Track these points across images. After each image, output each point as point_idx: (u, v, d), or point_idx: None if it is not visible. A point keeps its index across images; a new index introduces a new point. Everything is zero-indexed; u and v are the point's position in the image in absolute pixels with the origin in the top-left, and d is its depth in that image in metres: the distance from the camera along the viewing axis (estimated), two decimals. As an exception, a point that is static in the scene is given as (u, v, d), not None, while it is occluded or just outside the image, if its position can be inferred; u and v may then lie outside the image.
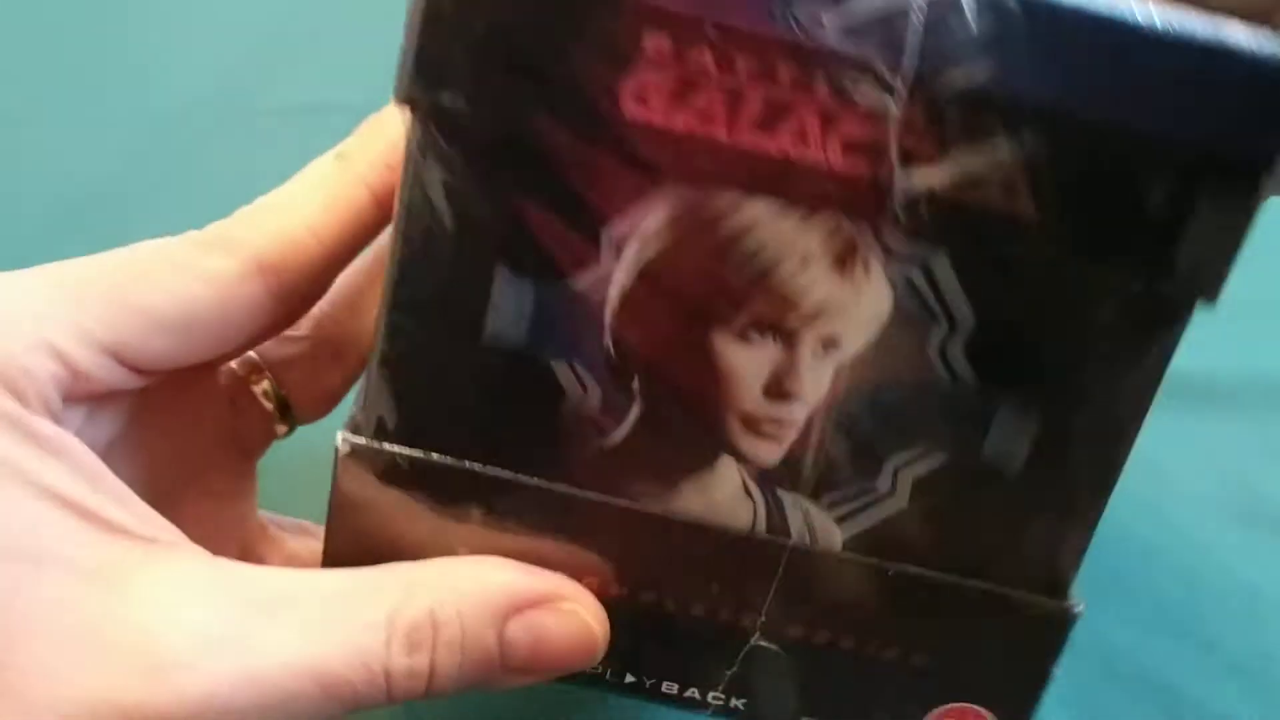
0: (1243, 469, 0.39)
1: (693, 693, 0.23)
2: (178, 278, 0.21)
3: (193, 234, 0.21)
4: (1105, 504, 0.21)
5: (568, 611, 0.21)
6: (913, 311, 0.20)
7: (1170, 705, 0.32)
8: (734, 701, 0.23)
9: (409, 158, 0.19)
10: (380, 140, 0.22)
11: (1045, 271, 0.19)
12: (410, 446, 0.21)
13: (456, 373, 0.20)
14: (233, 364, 0.25)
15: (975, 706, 0.22)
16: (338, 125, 0.24)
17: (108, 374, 0.20)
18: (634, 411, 0.20)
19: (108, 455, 0.20)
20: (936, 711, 0.22)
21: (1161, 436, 0.40)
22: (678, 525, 0.21)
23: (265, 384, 0.25)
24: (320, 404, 0.26)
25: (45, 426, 0.19)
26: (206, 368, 0.25)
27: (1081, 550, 0.22)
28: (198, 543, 0.20)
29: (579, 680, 0.22)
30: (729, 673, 0.22)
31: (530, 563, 0.21)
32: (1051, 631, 0.22)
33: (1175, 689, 0.32)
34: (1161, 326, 0.20)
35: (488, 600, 0.20)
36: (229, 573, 0.19)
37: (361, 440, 0.21)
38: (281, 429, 0.26)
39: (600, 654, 0.21)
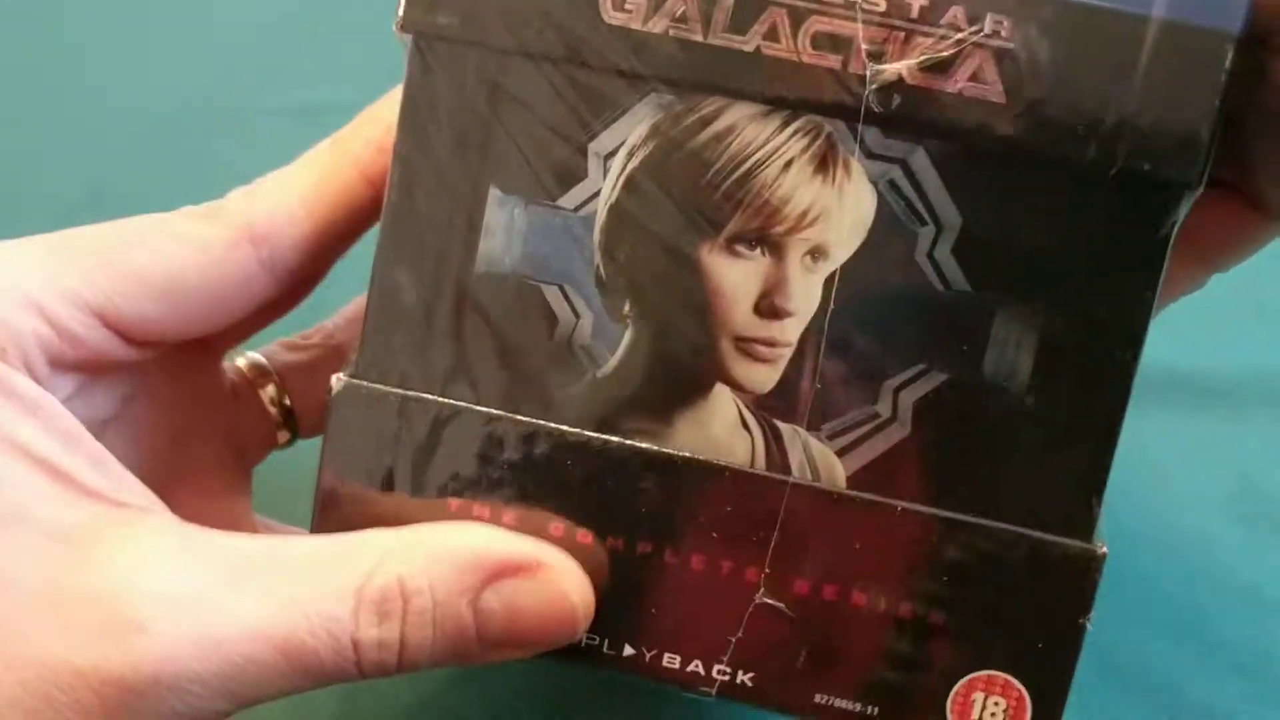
0: (1243, 469, 0.39)
1: (696, 666, 0.21)
2: (166, 242, 0.21)
3: (186, 207, 0.22)
4: (1120, 421, 0.20)
5: (545, 580, 0.20)
6: (898, 214, 0.20)
7: (1170, 705, 0.32)
8: (740, 676, 0.21)
9: (407, 86, 0.20)
10: (373, 126, 0.22)
11: (1025, 167, 0.19)
12: (402, 386, 0.21)
13: (452, 305, 0.20)
14: (240, 364, 0.25)
15: (1004, 674, 0.21)
16: (337, 125, 0.24)
17: (95, 337, 0.20)
18: (626, 337, 0.20)
19: (100, 435, 0.20)
20: (963, 683, 0.21)
21: (1161, 436, 0.40)
22: (674, 462, 0.20)
23: (271, 388, 0.25)
24: (324, 414, 0.26)
25: (22, 382, 0.19)
26: (209, 360, 0.25)
27: (1100, 480, 0.21)
28: None
29: (576, 658, 0.21)
30: (734, 639, 0.21)
31: (524, 511, 0.21)
32: (1078, 576, 0.21)
33: (1175, 689, 0.32)
34: (1151, 214, 0.19)
35: (461, 567, 0.19)
36: (199, 538, 0.19)
37: (355, 380, 0.21)
38: (284, 436, 0.26)
39: (581, 628, 0.20)
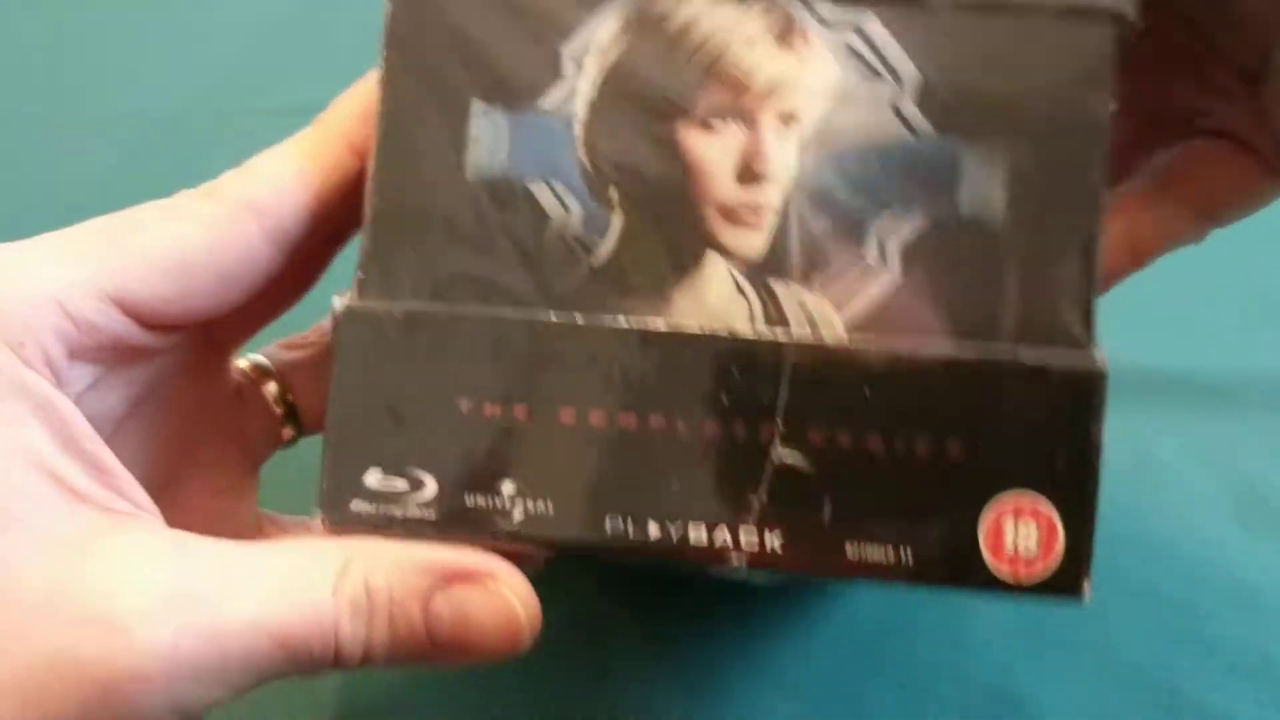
0: (1243, 469, 0.39)
1: (724, 537, 0.21)
2: (172, 222, 0.21)
3: (184, 191, 0.22)
4: (1097, 237, 0.21)
5: (493, 590, 0.21)
6: (859, 75, 0.21)
7: (1170, 705, 0.32)
8: (769, 539, 0.21)
9: (389, 16, 0.22)
10: (354, 102, 0.23)
11: (970, 16, 0.21)
12: (405, 299, 0.21)
13: (447, 215, 0.21)
14: (242, 364, 0.26)
15: (1029, 496, 0.21)
16: (338, 125, 0.24)
17: (112, 323, 0.21)
18: (615, 222, 0.21)
19: (112, 435, 0.20)
20: (991, 507, 0.21)
21: (1162, 437, 0.40)
22: (676, 336, 0.21)
23: (273, 386, 0.26)
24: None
25: (33, 380, 0.19)
26: (216, 360, 0.25)
27: (1089, 295, 0.21)
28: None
29: (605, 547, 0.21)
30: (758, 502, 0.21)
31: (533, 403, 0.21)
32: (1082, 389, 0.21)
33: (1175, 689, 0.32)
34: (1094, 41, 0.21)
35: (415, 571, 0.20)
36: (190, 541, 0.20)
37: (358, 300, 0.21)
38: (288, 432, 0.26)
39: (525, 638, 0.21)
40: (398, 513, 0.21)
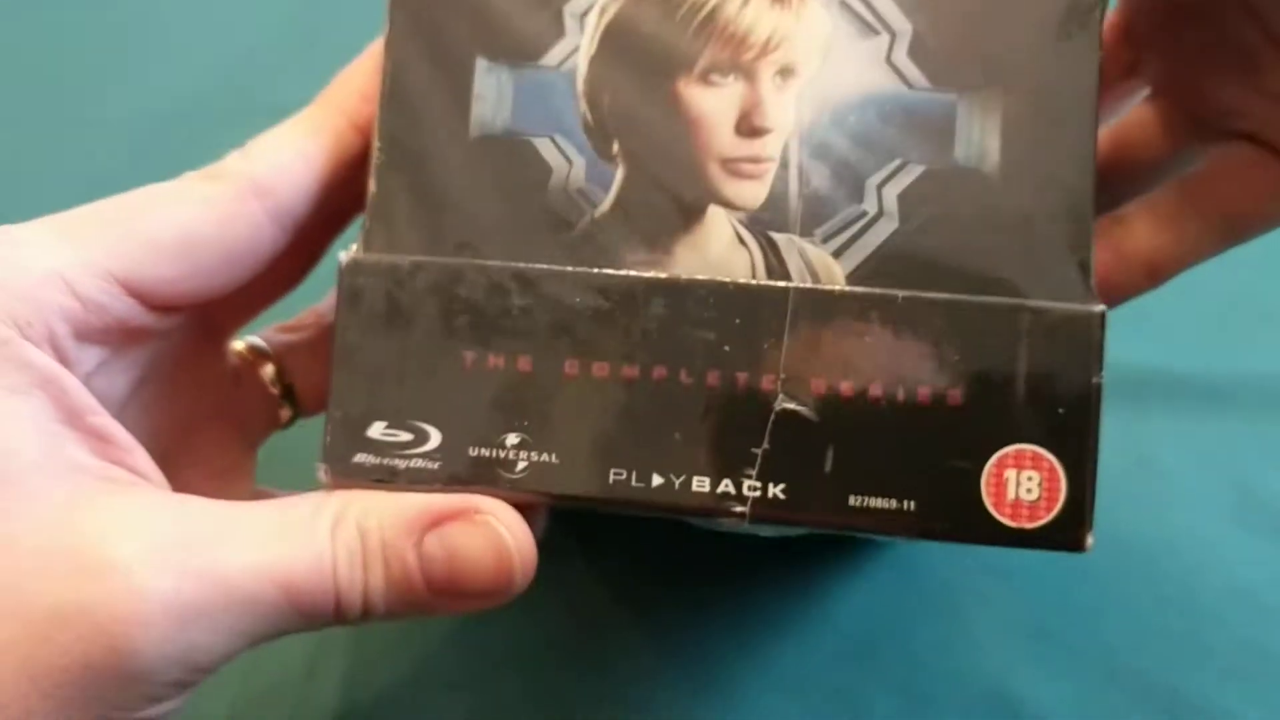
0: (1243, 469, 0.39)
1: (726, 486, 0.21)
2: (176, 205, 0.21)
3: (188, 173, 0.22)
4: (1091, 186, 0.22)
5: (483, 524, 0.21)
6: (854, 29, 0.22)
7: (1170, 705, 0.32)
8: (772, 489, 0.21)
9: None
10: (355, 79, 0.23)
11: None
12: (410, 252, 0.21)
13: (451, 170, 0.22)
14: (239, 346, 0.26)
15: (1031, 446, 0.21)
16: (337, 124, 0.24)
17: (118, 305, 0.21)
18: (618, 174, 0.22)
19: (117, 416, 0.21)
20: (993, 458, 0.21)
21: (1161, 436, 0.40)
22: (678, 285, 0.21)
23: (270, 368, 0.26)
24: (323, 394, 0.26)
25: (37, 357, 0.19)
26: (215, 344, 0.25)
27: (1085, 243, 0.21)
28: None
29: (609, 498, 0.21)
30: (760, 451, 0.21)
31: (537, 354, 0.21)
32: (1082, 336, 0.21)
33: (1175, 689, 0.32)
34: None
35: (403, 514, 0.20)
36: (188, 500, 0.20)
37: (364, 253, 0.22)
38: (285, 414, 0.26)
39: (519, 576, 0.21)
40: (401, 464, 0.21)
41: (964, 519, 0.21)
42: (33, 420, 0.19)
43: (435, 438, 0.21)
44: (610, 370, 0.21)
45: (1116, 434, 0.41)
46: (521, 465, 0.21)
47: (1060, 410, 0.21)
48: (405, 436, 0.21)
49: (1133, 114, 0.27)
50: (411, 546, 0.20)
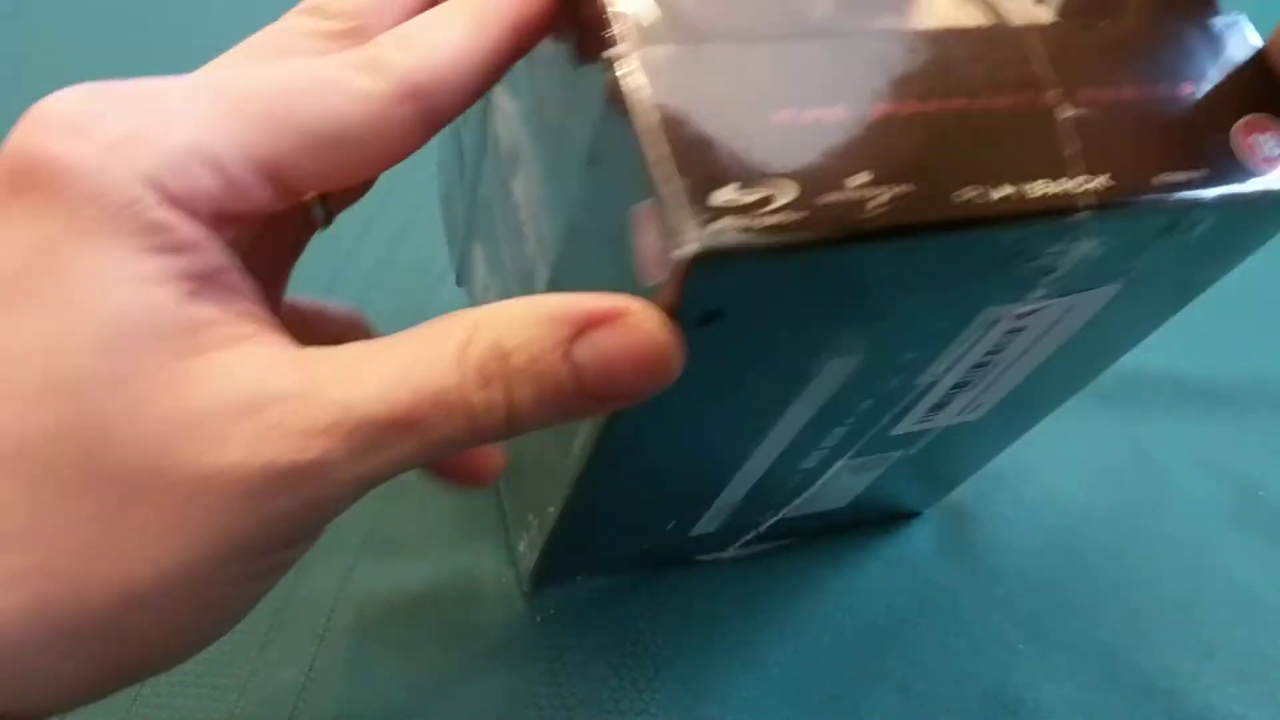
0: (1244, 473, 0.39)
1: (1063, 188, 0.23)
2: (334, 96, 0.21)
3: (341, 55, 0.21)
4: None
5: (631, 324, 0.20)
6: None
7: (1170, 706, 0.32)
8: (1100, 181, 0.23)
9: None
10: None
11: None
12: (693, 42, 0.22)
13: None
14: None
15: (1264, 114, 0.24)
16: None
17: (261, 192, 0.20)
18: None
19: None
20: (1237, 128, 0.23)
21: (1161, 436, 0.40)
22: (947, 32, 0.23)
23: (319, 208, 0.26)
24: (347, 190, 0.26)
25: (175, 220, 0.19)
26: (300, 208, 0.25)
27: None
28: None
29: (970, 217, 0.22)
30: (1073, 150, 0.23)
31: (848, 103, 0.22)
32: None
33: (1175, 691, 0.32)
34: None
35: (548, 323, 0.20)
36: (307, 349, 0.20)
37: (649, 46, 0.21)
38: (319, 214, 0.26)
39: (674, 366, 0.21)
40: (755, 223, 0.21)
41: (1237, 176, 0.23)
42: (173, 282, 0.19)
43: (782, 192, 0.21)
44: (914, 108, 0.22)
45: (1117, 434, 0.41)
46: (874, 202, 0.21)
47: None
48: (751, 196, 0.21)
49: None
50: (562, 357, 0.20)
